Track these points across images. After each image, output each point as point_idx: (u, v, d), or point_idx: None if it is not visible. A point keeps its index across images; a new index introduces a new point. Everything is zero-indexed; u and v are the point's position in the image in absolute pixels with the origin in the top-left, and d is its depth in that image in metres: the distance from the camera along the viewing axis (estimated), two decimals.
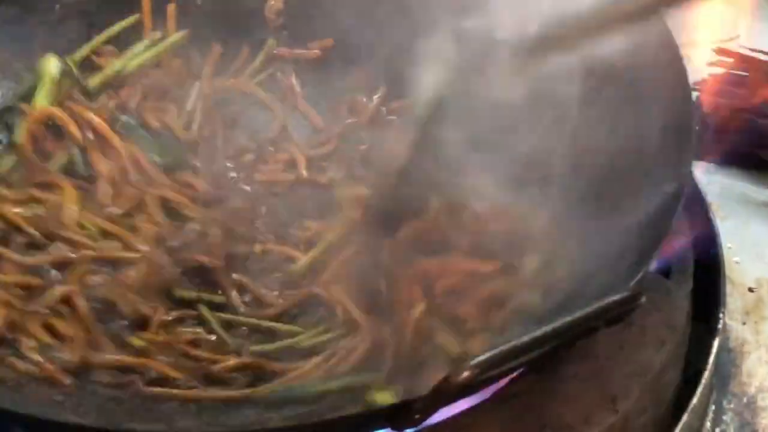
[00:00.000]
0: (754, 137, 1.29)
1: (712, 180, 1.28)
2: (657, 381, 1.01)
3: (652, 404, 1.01)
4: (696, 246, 1.10)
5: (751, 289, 1.19)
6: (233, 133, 1.24)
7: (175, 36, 1.28)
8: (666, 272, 1.07)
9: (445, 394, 0.84)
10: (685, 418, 1.03)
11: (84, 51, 1.26)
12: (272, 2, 1.33)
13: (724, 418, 1.09)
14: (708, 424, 1.09)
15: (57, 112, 1.18)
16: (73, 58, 1.24)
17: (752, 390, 1.11)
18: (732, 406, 1.10)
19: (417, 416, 0.87)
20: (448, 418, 0.94)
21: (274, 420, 0.95)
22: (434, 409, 0.86)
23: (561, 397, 0.97)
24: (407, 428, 0.90)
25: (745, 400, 1.10)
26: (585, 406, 0.97)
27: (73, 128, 1.18)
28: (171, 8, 1.29)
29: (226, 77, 1.28)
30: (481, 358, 0.83)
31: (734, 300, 1.18)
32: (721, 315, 1.10)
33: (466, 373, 0.83)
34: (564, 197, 1.10)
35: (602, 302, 0.87)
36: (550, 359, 0.97)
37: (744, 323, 1.16)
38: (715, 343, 1.08)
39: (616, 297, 0.88)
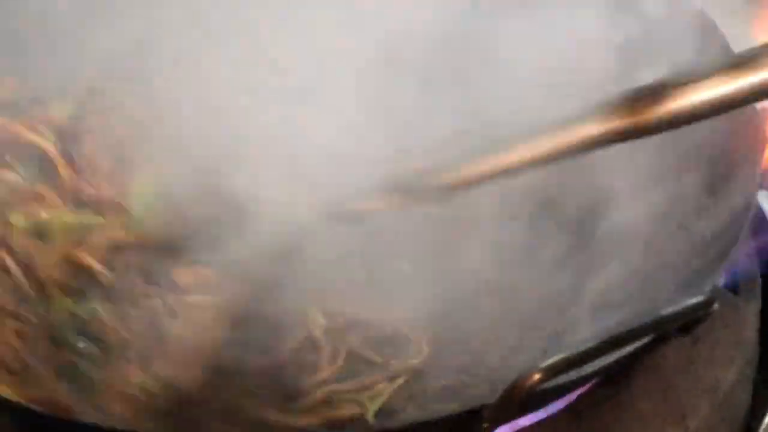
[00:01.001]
0: None
1: None
2: (727, 399, 0.98)
3: (722, 423, 0.98)
4: (763, 265, 1.07)
5: None
6: None
7: None
8: (734, 290, 1.04)
9: (515, 400, 0.81)
10: None
11: None
12: None
13: None
14: None
15: None
16: None
17: None
18: None
19: (485, 425, 0.85)
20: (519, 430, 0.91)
21: None
22: (504, 418, 0.84)
23: (630, 412, 0.94)
24: None
25: None
26: (655, 423, 0.94)
27: None
28: None
29: None
30: (551, 361, 0.81)
31: None
32: None
33: (536, 376, 0.80)
34: None
35: (675, 307, 0.85)
36: (621, 371, 0.94)
37: None
38: None
39: (689, 302, 0.85)
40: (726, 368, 0.98)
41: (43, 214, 1.03)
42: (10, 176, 1.05)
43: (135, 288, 1.00)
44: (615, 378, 0.95)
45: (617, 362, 0.88)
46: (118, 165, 1.07)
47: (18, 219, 1.02)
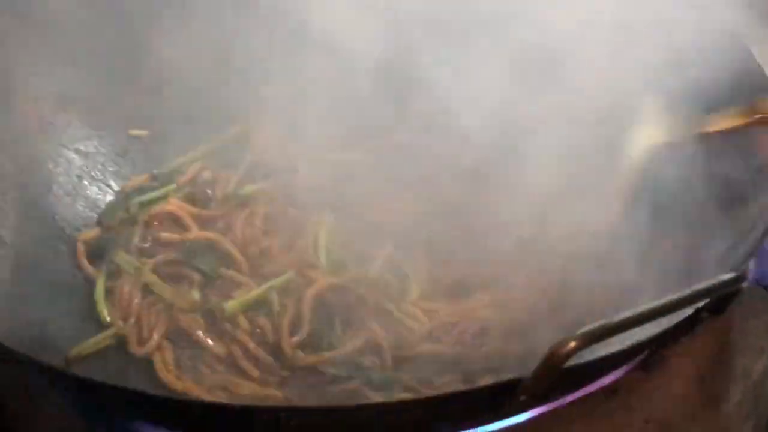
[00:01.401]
0: None
1: None
2: (757, 387, 1.00)
3: (754, 410, 1.00)
4: None
5: None
6: None
7: None
8: (765, 285, 1.06)
9: (552, 369, 0.84)
10: None
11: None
12: None
13: None
14: None
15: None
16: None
17: None
18: None
19: (523, 398, 0.87)
20: (557, 408, 0.93)
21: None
22: (541, 390, 0.86)
23: (666, 395, 0.96)
24: (513, 413, 0.90)
25: None
26: (688, 405, 0.96)
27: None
28: None
29: None
30: (586, 329, 0.83)
31: None
32: None
33: (571, 344, 0.83)
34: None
35: (708, 282, 0.87)
36: (657, 356, 0.96)
37: None
38: None
39: (721, 278, 0.88)
40: (756, 358, 1.01)
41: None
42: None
43: None
44: (651, 364, 0.97)
45: (650, 341, 0.91)
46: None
47: (228, 307, 1.14)
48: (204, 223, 1.23)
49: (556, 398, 0.94)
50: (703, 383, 0.98)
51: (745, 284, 0.89)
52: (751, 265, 1.03)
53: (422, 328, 1.13)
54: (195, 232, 1.21)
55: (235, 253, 1.19)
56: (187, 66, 1.30)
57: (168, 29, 1.28)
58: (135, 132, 1.29)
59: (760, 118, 1.08)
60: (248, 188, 1.27)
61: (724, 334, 1.00)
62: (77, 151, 1.25)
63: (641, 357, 0.97)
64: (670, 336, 0.94)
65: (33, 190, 1.20)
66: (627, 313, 0.84)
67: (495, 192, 1.18)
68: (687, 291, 0.87)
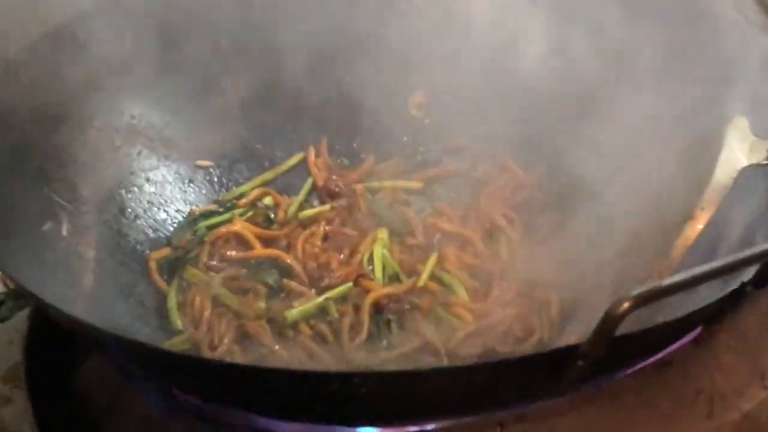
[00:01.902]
0: None
1: None
2: None
3: None
4: None
5: None
6: None
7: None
8: None
9: (608, 331, 0.90)
10: None
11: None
12: (414, 98, 1.44)
13: None
14: None
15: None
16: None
17: None
18: None
19: (580, 362, 0.93)
20: (613, 381, 0.99)
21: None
22: (598, 352, 0.91)
23: (715, 368, 1.02)
24: (573, 382, 0.95)
25: None
26: (737, 379, 1.02)
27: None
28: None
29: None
30: (639, 290, 0.89)
31: None
32: None
33: (626, 304, 0.89)
34: None
35: (749, 251, 0.94)
36: (708, 328, 1.02)
37: None
38: None
39: (762, 247, 0.94)
40: None
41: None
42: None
43: None
44: (701, 340, 1.02)
45: (698, 312, 0.97)
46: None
47: (291, 314, 1.21)
48: (267, 242, 1.30)
49: (612, 371, 0.99)
50: (751, 360, 1.03)
51: None
52: None
53: (468, 327, 1.20)
54: (259, 250, 1.29)
55: (297, 267, 1.26)
56: (249, 102, 1.40)
57: (231, 70, 1.39)
58: (201, 163, 1.37)
59: None
60: (308, 211, 1.34)
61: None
62: (147, 179, 1.33)
63: (692, 334, 1.03)
64: (717, 309, 1.00)
65: (108, 213, 1.28)
66: (676, 278, 0.91)
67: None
68: (731, 258, 0.93)
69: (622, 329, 0.89)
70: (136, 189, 1.32)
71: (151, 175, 1.34)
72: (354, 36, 1.41)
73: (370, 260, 1.28)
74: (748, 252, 0.93)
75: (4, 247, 1.07)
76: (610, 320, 0.90)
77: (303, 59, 1.40)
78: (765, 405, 1.02)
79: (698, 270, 0.91)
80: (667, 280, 0.90)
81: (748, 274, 0.98)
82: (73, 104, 1.29)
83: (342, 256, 1.29)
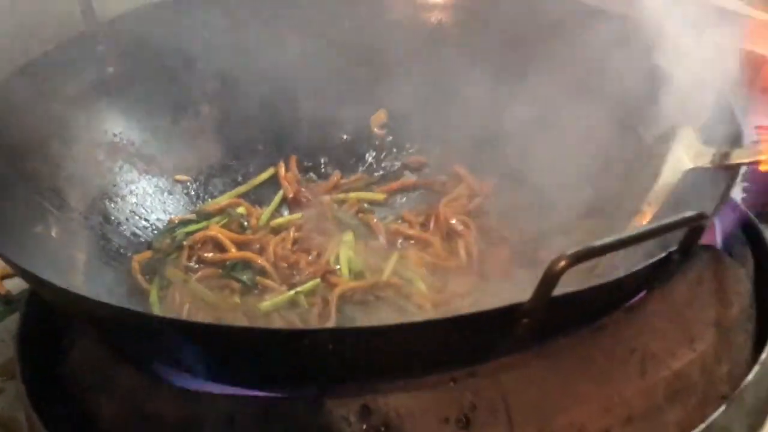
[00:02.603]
0: None
1: None
2: (728, 334, 1.16)
3: (726, 356, 1.16)
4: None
5: None
6: None
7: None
8: (730, 252, 1.24)
9: (547, 288, 1.00)
10: (756, 368, 1.17)
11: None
12: (377, 117, 1.56)
13: None
14: None
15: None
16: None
17: None
18: None
19: (525, 320, 1.03)
20: (552, 343, 1.09)
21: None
22: (542, 308, 1.01)
23: (648, 331, 1.12)
24: (519, 338, 1.04)
25: None
26: (668, 341, 1.12)
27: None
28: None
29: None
30: (575, 249, 1.00)
31: None
32: None
33: (562, 262, 0.99)
34: None
35: (675, 217, 1.05)
36: (637, 296, 1.13)
37: None
38: None
39: (686, 214, 1.05)
40: (726, 308, 1.17)
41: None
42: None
43: None
44: (635, 306, 1.13)
45: (631, 276, 1.08)
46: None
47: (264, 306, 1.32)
48: (240, 246, 1.40)
49: (555, 333, 1.10)
50: (680, 326, 1.14)
51: (707, 222, 1.06)
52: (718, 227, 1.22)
53: (428, 314, 1.30)
54: (233, 253, 1.39)
55: (269, 267, 1.36)
56: (223, 123, 1.51)
57: (207, 94, 1.51)
58: (179, 177, 1.48)
59: None
60: (279, 219, 1.45)
61: (698, 286, 1.16)
62: (129, 191, 1.44)
63: (625, 303, 1.13)
64: (646, 277, 1.11)
65: (94, 220, 1.38)
66: (606, 240, 1.01)
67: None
68: (656, 223, 1.04)
69: None
70: (119, 199, 1.42)
71: (132, 187, 1.44)
72: (321, 65, 1.53)
73: (338, 261, 1.38)
74: (672, 218, 1.05)
75: (2, 241, 1.17)
76: (548, 277, 1.00)
77: (274, 86, 1.52)
78: (694, 364, 1.13)
79: (627, 234, 1.03)
80: (599, 242, 1.01)
81: (676, 244, 1.09)
82: (61, 121, 1.40)
83: (311, 257, 1.39)
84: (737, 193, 1.38)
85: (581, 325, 1.11)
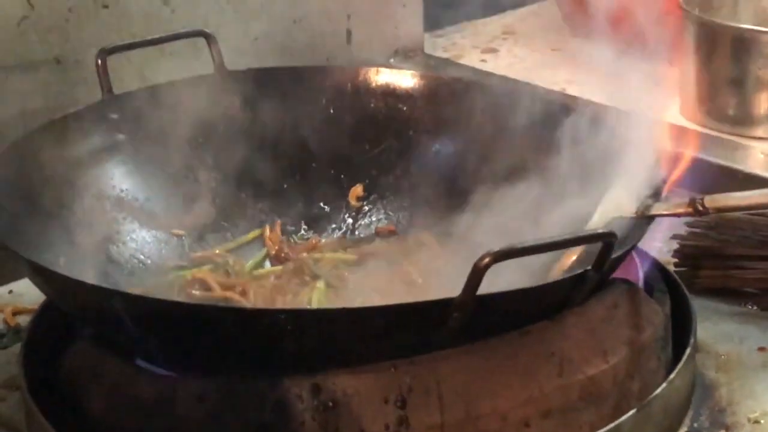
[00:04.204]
0: None
1: None
2: (640, 354, 1.32)
3: (638, 374, 1.32)
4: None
5: None
6: None
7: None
8: (649, 290, 1.41)
9: (476, 281, 1.17)
10: (664, 385, 1.33)
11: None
12: (355, 191, 1.76)
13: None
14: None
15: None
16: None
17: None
18: None
19: (456, 314, 1.20)
20: (484, 341, 1.25)
21: None
22: (470, 306, 1.18)
23: (566, 339, 1.28)
24: (452, 330, 1.21)
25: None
26: (583, 351, 1.28)
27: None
28: None
29: None
30: (499, 248, 1.18)
31: None
32: None
33: (487, 259, 1.17)
34: None
35: (588, 231, 1.24)
36: (556, 311, 1.30)
37: None
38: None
39: (598, 230, 1.25)
40: (640, 332, 1.33)
41: None
42: None
43: None
44: (556, 319, 1.30)
45: (546, 286, 1.26)
46: None
47: None
48: (225, 288, 1.59)
49: (486, 333, 1.26)
50: (595, 338, 1.30)
51: (616, 240, 1.24)
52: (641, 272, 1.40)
53: None
54: (218, 292, 1.57)
55: (248, 305, 1.54)
56: (218, 189, 1.72)
57: (205, 163, 1.72)
58: (175, 231, 1.67)
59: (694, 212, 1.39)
60: (261, 270, 1.64)
61: (614, 309, 1.33)
62: (131, 239, 1.63)
63: (548, 312, 1.30)
64: (565, 292, 1.28)
65: (97, 258, 1.57)
66: (528, 242, 1.20)
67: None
68: (572, 234, 1.23)
69: None
70: (121, 244, 1.62)
71: (133, 235, 1.64)
72: (305, 138, 1.75)
73: (310, 302, 1.56)
74: (586, 232, 1.24)
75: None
76: (475, 273, 1.18)
77: (264, 163, 1.73)
78: (607, 374, 1.28)
79: (547, 239, 1.21)
80: (520, 243, 1.19)
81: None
82: (75, 174, 1.61)
83: (287, 299, 1.57)
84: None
85: (509, 329, 1.28)
